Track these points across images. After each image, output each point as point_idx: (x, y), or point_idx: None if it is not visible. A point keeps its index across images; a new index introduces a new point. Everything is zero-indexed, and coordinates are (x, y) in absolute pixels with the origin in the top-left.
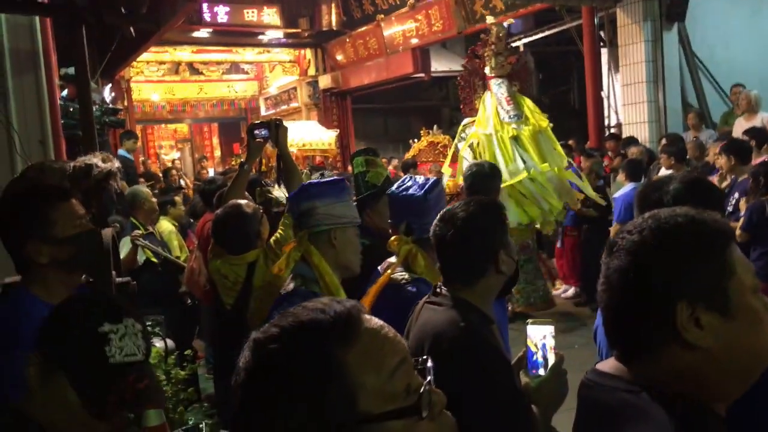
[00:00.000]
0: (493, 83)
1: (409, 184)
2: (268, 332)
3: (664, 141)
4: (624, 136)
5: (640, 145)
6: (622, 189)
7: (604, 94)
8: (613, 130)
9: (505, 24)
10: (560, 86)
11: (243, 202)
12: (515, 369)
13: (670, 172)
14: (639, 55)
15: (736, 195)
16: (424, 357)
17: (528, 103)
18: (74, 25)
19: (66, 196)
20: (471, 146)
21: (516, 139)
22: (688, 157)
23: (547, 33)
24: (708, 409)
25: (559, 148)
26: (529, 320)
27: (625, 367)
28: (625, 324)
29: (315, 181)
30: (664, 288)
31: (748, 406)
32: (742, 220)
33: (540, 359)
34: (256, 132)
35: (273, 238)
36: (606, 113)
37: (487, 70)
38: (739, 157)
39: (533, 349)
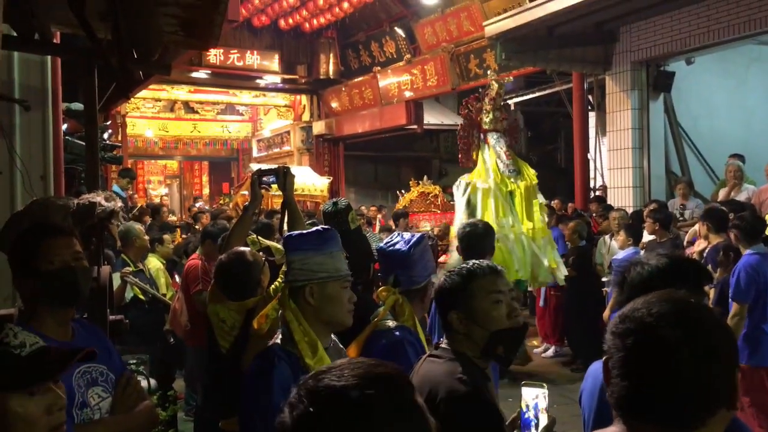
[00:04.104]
0: (491, 137)
1: (396, 239)
2: (321, 383)
3: (652, 206)
4: (609, 198)
5: (621, 209)
6: (622, 252)
7: (590, 156)
8: (598, 192)
9: (505, 81)
10: (548, 145)
11: (247, 249)
12: (509, 428)
13: (652, 237)
14: (626, 122)
15: (709, 267)
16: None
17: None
18: (89, 67)
19: (59, 232)
20: (469, 199)
21: (511, 194)
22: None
23: (538, 94)
24: None
25: (537, 209)
26: (523, 382)
27: None
28: (676, 398)
29: (295, 232)
30: (729, 365)
31: None
32: (712, 293)
33: (532, 419)
34: (264, 179)
35: (272, 286)
36: (592, 175)
37: (485, 122)
38: (714, 225)
39: (525, 409)
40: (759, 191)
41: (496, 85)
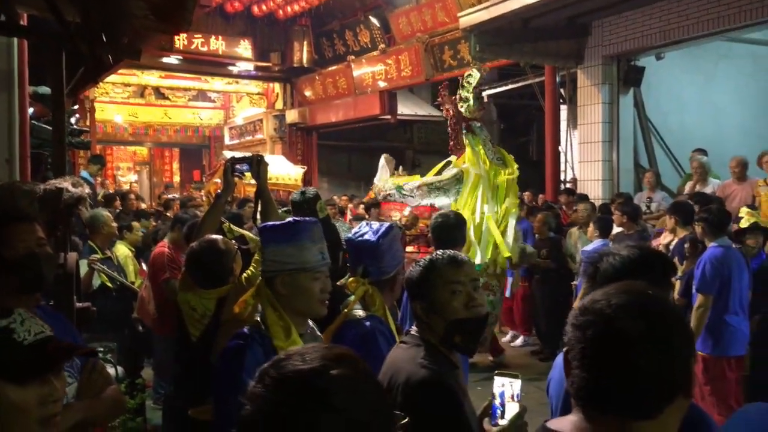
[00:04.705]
0: (475, 125)
1: (365, 230)
2: (284, 368)
3: (620, 199)
4: (579, 191)
5: (589, 202)
6: (592, 244)
7: (561, 149)
8: (568, 185)
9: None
10: (521, 137)
11: (219, 237)
12: (480, 417)
13: (620, 229)
14: (596, 115)
15: (675, 259)
16: (402, 414)
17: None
18: (56, 51)
19: (21, 218)
20: (457, 174)
21: (498, 183)
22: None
23: (511, 86)
24: None
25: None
26: (496, 372)
27: (592, 426)
28: (634, 387)
29: (269, 224)
30: (683, 353)
31: None
32: (678, 285)
33: (498, 407)
34: (237, 167)
35: (244, 275)
36: (563, 167)
37: (462, 110)
38: (681, 218)
39: (494, 398)
40: (723, 185)
41: (477, 74)
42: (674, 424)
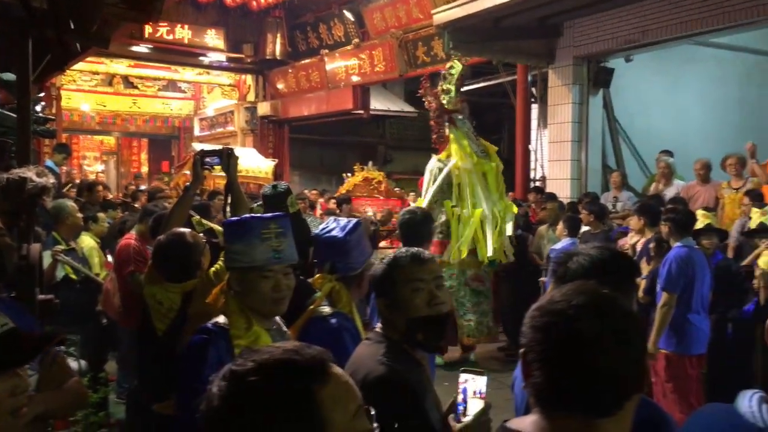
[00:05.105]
0: (457, 117)
1: (332, 226)
2: (245, 365)
3: (586, 198)
4: (548, 190)
5: (557, 201)
6: (560, 243)
7: (532, 147)
8: (538, 183)
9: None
10: (492, 135)
11: (187, 231)
12: (445, 414)
13: (587, 228)
14: (566, 115)
15: (644, 259)
16: (368, 406)
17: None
18: (22, 37)
19: None
20: (449, 174)
21: (485, 175)
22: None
23: (483, 84)
24: None
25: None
26: (462, 368)
27: (550, 425)
28: (593, 385)
29: (229, 219)
30: (639, 350)
31: None
32: (643, 283)
33: (461, 403)
34: (207, 160)
35: (212, 269)
36: (533, 166)
37: (444, 102)
38: (649, 219)
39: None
40: (687, 187)
41: (459, 66)
42: (629, 418)
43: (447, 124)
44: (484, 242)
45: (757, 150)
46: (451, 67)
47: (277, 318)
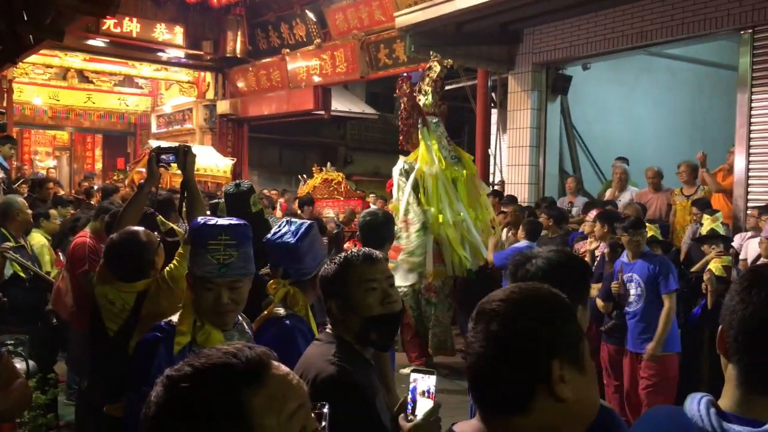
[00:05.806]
0: (431, 120)
1: (284, 230)
2: (181, 370)
3: (544, 203)
4: (506, 194)
5: (515, 205)
6: (518, 244)
7: (491, 152)
8: (496, 187)
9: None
10: (453, 138)
11: (140, 229)
12: (396, 413)
13: (545, 232)
14: (525, 120)
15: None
16: (322, 403)
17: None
18: None
19: None
20: (416, 181)
21: (454, 181)
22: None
23: (446, 88)
24: None
25: (485, 198)
26: (412, 368)
27: (485, 427)
28: (499, 382)
29: (195, 221)
30: (542, 347)
31: None
32: (598, 290)
33: (409, 402)
34: (163, 157)
35: (167, 269)
36: (492, 170)
37: (421, 103)
38: (611, 226)
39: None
40: (640, 194)
41: (438, 67)
42: (552, 417)
43: (420, 126)
44: (454, 250)
45: (707, 159)
46: (430, 68)
47: (240, 317)
